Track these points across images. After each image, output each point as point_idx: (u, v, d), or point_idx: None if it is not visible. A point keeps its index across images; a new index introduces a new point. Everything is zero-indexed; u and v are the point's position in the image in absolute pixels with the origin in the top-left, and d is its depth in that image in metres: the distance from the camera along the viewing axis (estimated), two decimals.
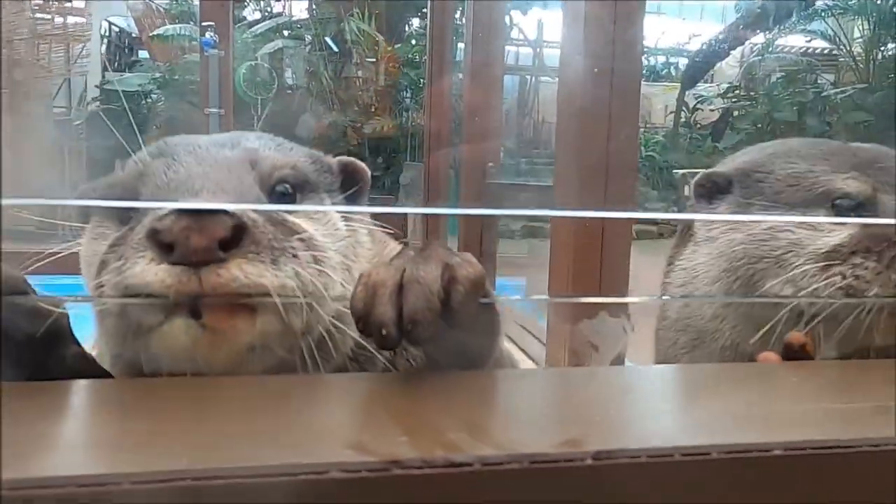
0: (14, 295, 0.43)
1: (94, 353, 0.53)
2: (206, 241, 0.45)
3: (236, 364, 0.49)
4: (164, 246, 0.45)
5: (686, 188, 0.95)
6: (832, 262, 0.67)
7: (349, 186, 0.67)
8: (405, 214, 4.31)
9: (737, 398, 0.48)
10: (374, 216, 0.68)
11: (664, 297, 0.83)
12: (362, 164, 0.69)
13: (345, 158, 0.69)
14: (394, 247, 0.66)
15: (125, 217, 0.52)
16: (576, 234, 2.51)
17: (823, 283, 0.66)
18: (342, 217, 0.60)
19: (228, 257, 0.46)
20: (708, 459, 0.35)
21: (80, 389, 0.44)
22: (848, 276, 0.66)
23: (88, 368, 0.50)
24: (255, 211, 0.48)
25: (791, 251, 0.70)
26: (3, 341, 0.45)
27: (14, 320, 0.44)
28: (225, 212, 0.46)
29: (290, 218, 0.52)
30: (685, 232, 0.86)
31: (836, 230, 0.70)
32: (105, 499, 0.29)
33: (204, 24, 5.19)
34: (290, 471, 0.32)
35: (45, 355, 0.48)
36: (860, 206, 0.72)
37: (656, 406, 0.46)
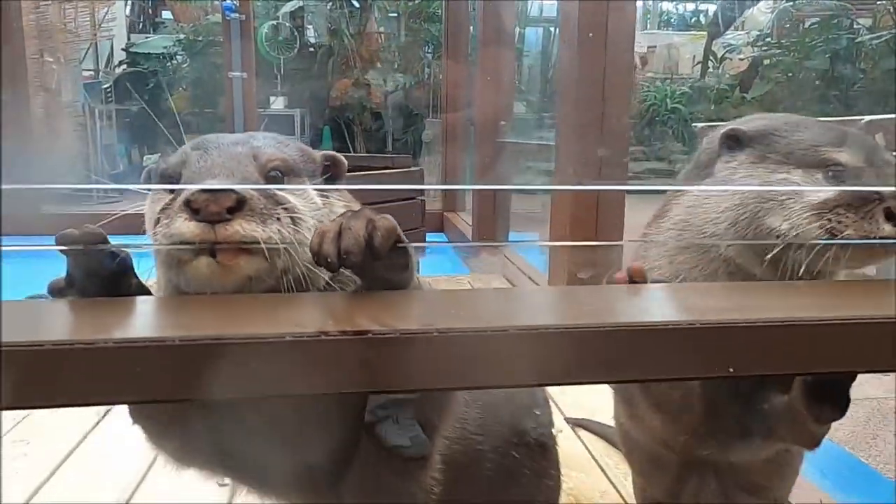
0: (100, 244, 0.70)
1: (152, 282, 0.80)
2: (219, 207, 0.71)
3: (239, 288, 0.76)
4: (193, 210, 0.72)
5: (704, 141, 1.14)
6: (822, 211, 0.91)
7: (330, 171, 0.94)
8: (422, 176, 4.53)
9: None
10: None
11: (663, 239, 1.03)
12: (340, 156, 0.96)
13: (327, 152, 0.96)
14: None
15: (172, 190, 0.79)
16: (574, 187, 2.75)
17: (815, 225, 0.91)
18: (319, 194, 0.85)
19: (233, 218, 0.72)
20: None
21: (144, 301, 0.71)
22: (833, 221, 0.90)
23: (144, 293, 0.78)
24: (253, 189, 0.74)
25: (791, 198, 0.94)
26: (93, 274, 0.71)
27: (101, 260, 0.70)
28: (233, 189, 0.72)
29: (278, 193, 0.78)
30: (702, 167, 1.08)
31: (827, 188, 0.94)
32: (166, 346, 0.55)
33: None
34: (267, 337, 0.57)
35: (118, 283, 0.74)
36: (847, 173, 0.96)
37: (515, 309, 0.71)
